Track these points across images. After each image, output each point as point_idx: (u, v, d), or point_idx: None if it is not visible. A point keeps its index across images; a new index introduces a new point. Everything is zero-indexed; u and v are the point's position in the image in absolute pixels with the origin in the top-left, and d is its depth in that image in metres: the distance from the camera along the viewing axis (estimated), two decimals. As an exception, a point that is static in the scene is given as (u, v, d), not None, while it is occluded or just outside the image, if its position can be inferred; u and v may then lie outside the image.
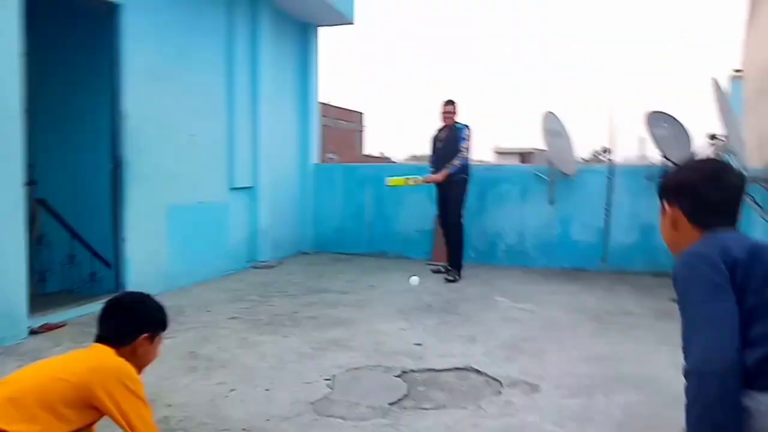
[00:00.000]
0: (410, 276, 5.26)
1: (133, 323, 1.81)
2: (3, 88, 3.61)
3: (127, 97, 4.79)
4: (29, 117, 3.88)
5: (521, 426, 2.62)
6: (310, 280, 5.90)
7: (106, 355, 1.72)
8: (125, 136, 4.80)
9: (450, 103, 6.07)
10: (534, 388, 3.05)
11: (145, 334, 1.80)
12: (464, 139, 5.84)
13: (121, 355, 1.74)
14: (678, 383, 3.07)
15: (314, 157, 7.97)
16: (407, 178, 6.10)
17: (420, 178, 6.08)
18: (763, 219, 4.37)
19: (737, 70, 5.44)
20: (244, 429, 2.56)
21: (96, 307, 4.44)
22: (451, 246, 6.09)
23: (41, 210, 4.97)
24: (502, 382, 3.12)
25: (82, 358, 1.73)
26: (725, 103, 4.87)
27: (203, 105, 5.80)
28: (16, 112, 3.70)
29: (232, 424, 2.61)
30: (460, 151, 5.80)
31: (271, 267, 6.56)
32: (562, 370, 3.32)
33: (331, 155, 24.16)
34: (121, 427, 1.63)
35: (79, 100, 5.04)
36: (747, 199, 4.49)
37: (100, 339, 1.78)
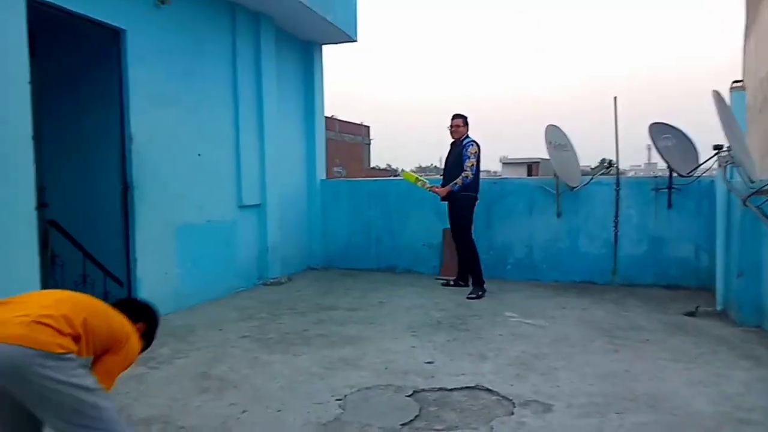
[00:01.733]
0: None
1: (142, 312, 2.31)
2: (14, 115, 3.66)
3: (134, 120, 4.85)
4: (39, 141, 3.95)
5: (534, 447, 2.60)
6: (319, 297, 5.91)
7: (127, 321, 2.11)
8: (133, 159, 4.85)
9: (457, 116, 6.10)
10: (546, 407, 3.03)
11: (143, 323, 2.26)
12: (468, 157, 5.85)
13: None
14: (695, 402, 3.05)
15: (321, 172, 8.01)
16: (419, 178, 6.40)
17: (428, 184, 6.23)
18: (774, 231, 4.34)
19: (737, 81, 5.43)
20: (256, 453, 2.57)
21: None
22: (465, 264, 6.08)
23: (53, 231, 5.02)
24: (514, 401, 3.11)
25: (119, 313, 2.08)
26: (728, 115, 4.86)
27: (209, 125, 5.85)
28: (27, 138, 3.75)
29: (245, 447, 2.62)
30: (464, 169, 5.82)
31: (281, 284, 6.58)
32: (574, 389, 3.29)
33: (338, 169, 24.26)
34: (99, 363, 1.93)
35: (87, 124, 5.12)
36: (755, 211, 4.47)
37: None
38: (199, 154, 5.65)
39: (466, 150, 5.87)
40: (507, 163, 32.50)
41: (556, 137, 6.73)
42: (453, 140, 6.13)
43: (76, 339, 1.79)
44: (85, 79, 5.12)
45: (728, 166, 5.00)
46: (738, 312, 4.79)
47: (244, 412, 3.00)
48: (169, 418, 2.93)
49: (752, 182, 4.63)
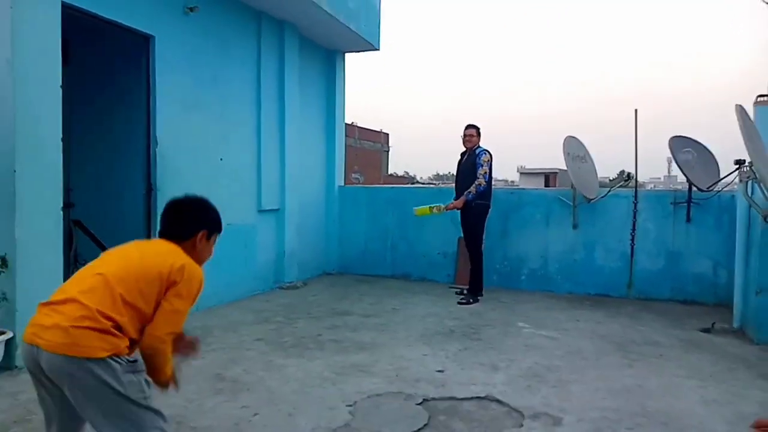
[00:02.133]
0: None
1: (194, 220, 2.05)
2: (46, 118, 3.80)
3: (160, 124, 4.98)
4: (68, 143, 4.08)
5: (543, 459, 2.61)
6: (334, 302, 5.97)
7: (176, 248, 1.97)
8: (158, 162, 4.98)
9: (470, 127, 6.16)
10: (556, 421, 3.04)
11: (204, 231, 2.04)
12: (480, 165, 5.90)
13: (182, 248, 1.99)
14: (709, 422, 3.03)
15: (340, 179, 8.09)
16: (431, 207, 6.15)
17: (442, 206, 6.14)
18: (794, 249, 4.28)
19: (762, 96, 5.36)
20: (268, 454, 2.62)
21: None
22: (472, 269, 6.14)
23: (77, 231, 5.17)
24: (524, 413, 3.12)
25: (161, 250, 1.95)
26: (751, 130, 4.81)
27: (232, 130, 5.97)
28: (57, 140, 3.88)
29: (257, 449, 2.67)
30: (477, 177, 5.87)
31: (297, 288, 6.66)
32: (585, 403, 3.29)
33: (356, 176, 24.38)
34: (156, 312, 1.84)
35: (115, 127, 5.27)
36: (777, 229, 4.42)
37: (164, 235, 2.03)
38: (221, 159, 5.77)
39: (479, 158, 5.93)
40: (525, 173, 32.33)
41: (574, 148, 6.72)
42: (465, 150, 6.18)
43: (118, 327, 1.75)
44: (115, 83, 5.28)
45: (749, 182, 4.94)
46: (756, 330, 4.73)
47: (256, 414, 3.06)
48: (184, 418, 3.00)
49: (773, 199, 4.57)
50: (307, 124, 7.38)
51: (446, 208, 6.13)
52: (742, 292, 5.08)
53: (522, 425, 2.98)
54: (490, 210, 6.12)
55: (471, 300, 5.96)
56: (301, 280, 6.93)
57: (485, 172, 5.89)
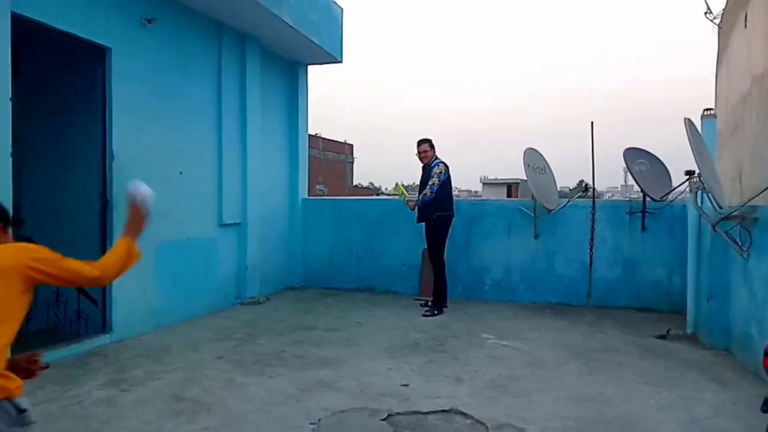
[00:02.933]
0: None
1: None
2: (-6, 132, 3.65)
3: (117, 137, 4.85)
4: (18, 158, 3.92)
5: (506, 471, 2.63)
6: (298, 317, 5.90)
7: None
8: (114, 176, 4.84)
9: (422, 142, 6.25)
10: (519, 431, 3.07)
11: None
12: (431, 176, 6.01)
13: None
14: (664, 426, 3.11)
15: (304, 191, 8.03)
16: (404, 193, 6.50)
17: (407, 199, 6.38)
18: (742, 257, 4.46)
19: (708, 110, 5.62)
20: (228, 477, 2.55)
21: (82, 347, 4.45)
22: (435, 281, 6.18)
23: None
24: (488, 425, 3.13)
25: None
26: (699, 142, 5.02)
27: (193, 143, 5.86)
28: (6, 155, 3.73)
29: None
30: (428, 186, 6.00)
31: (259, 303, 6.55)
32: (547, 412, 3.34)
33: (320, 187, 24.29)
34: (65, 279, 1.85)
35: (68, 140, 5.09)
36: (724, 237, 4.60)
37: None
38: (180, 172, 5.65)
39: (432, 171, 6.03)
40: (487, 184, 32.86)
41: (534, 160, 6.86)
42: (423, 164, 6.26)
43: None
44: (68, 95, 5.10)
45: (699, 192, 5.15)
46: (707, 335, 4.90)
47: (217, 435, 2.98)
48: (141, 441, 2.90)
49: (721, 208, 4.77)
50: (270, 136, 7.32)
51: (408, 202, 6.29)
52: (695, 298, 5.26)
53: (485, 437, 2.99)
54: (453, 220, 6.19)
55: (435, 312, 5.99)
56: (264, 295, 6.82)
57: (434, 183, 5.97)
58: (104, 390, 3.63)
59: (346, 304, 6.60)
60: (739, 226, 4.50)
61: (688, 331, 5.24)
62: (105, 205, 4.85)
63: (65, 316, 4.96)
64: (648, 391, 3.72)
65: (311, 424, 3.13)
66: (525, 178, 7.03)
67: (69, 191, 5.11)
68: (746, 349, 4.34)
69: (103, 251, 4.80)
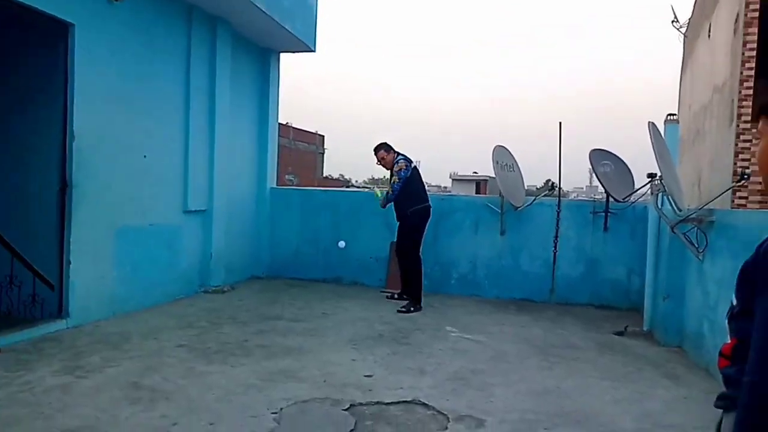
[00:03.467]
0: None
1: None
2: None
3: (78, 117, 4.68)
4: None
5: (465, 462, 2.66)
6: (263, 307, 5.84)
7: None
8: (74, 157, 4.68)
9: (377, 149, 6.19)
10: (479, 422, 3.11)
11: None
12: (395, 171, 5.98)
13: None
14: (619, 420, 3.20)
15: (272, 180, 7.93)
16: (380, 196, 6.32)
17: (380, 197, 6.27)
18: (698, 258, 4.62)
19: (671, 115, 5.78)
20: (185, 466, 2.51)
21: (36, 332, 4.31)
22: (407, 278, 6.16)
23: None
24: (449, 416, 3.17)
25: None
26: (662, 145, 5.17)
27: (158, 127, 5.72)
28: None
29: (174, 461, 2.55)
30: (390, 185, 6.03)
31: (223, 292, 6.45)
32: (507, 405, 3.39)
33: (289, 177, 24.06)
34: None
35: (26, 119, 4.89)
36: (681, 238, 4.76)
37: None
38: (145, 156, 5.50)
39: (396, 169, 6.00)
40: (457, 180, 33.14)
41: (502, 157, 6.94)
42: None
43: None
44: (29, 74, 4.89)
45: (660, 194, 5.30)
46: (662, 333, 5.07)
47: (174, 424, 2.93)
48: (96, 430, 2.82)
49: (680, 211, 4.93)
50: (239, 123, 7.20)
51: (381, 199, 6.22)
52: (652, 297, 5.43)
53: (447, 428, 3.03)
54: (430, 211, 6.16)
55: (412, 309, 5.91)
56: (229, 284, 6.73)
57: (395, 182, 5.94)
58: (58, 377, 3.53)
59: (313, 294, 6.57)
60: (696, 229, 4.66)
61: (645, 328, 5.41)
62: (64, 188, 4.68)
63: (19, 299, 4.78)
64: (605, 386, 3.82)
65: (273, 413, 3.10)
66: (494, 176, 7.11)
67: (26, 172, 4.91)
68: (698, 347, 4.50)
69: (61, 234, 4.67)
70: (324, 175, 34.05)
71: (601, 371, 4.15)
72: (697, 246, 4.63)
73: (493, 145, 6.91)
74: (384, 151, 6.15)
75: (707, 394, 3.76)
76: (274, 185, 8.04)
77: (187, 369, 3.79)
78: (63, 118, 4.66)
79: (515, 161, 7.18)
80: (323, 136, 33.15)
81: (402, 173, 5.95)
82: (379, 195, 6.32)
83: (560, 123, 6.77)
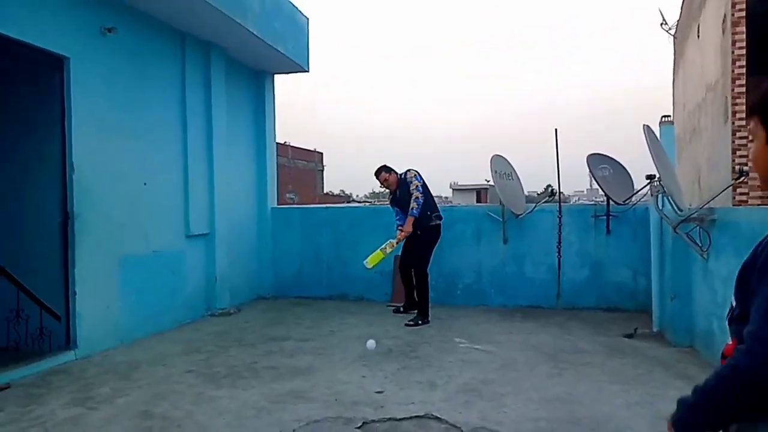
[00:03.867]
0: (367, 340, 5.03)
1: None
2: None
3: (77, 148, 4.71)
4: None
5: (481, 475, 2.64)
6: (269, 328, 5.82)
7: None
8: (75, 188, 4.70)
9: (379, 172, 6.18)
10: (493, 434, 3.09)
11: None
12: (409, 182, 5.93)
13: None
14: (633, 423, 3.17)
15: (272, 200, 7.96)
16: (383, 249, 5.97)
17: (393, 241, 6.02)
18: (702, 257, 4.61)
19: (665, 116, 5.81)
20: (200, 494, 2.49)
21: (45, 365, 4.30)
22: (417, 292, 6.12)
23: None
24: (463, 429, 3.15)
25: None
26: (658, 147, 5.18)
27: (156, 154, 5.75)
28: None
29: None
30: (412, 194, 5.87)
31: (229, 314, 6.44)
32: (520, 415, 3.37)
33: (290, 195, 24.12)
34: None
35: (26, 152, 4.93)
36: (684, 238, 4.76)
37: None
38: (145, 183, 5.53)
39: (410, 182, 5.94)
40: (457, 189, 33.18)
41: (501, 166, 6.97)
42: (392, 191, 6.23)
43: None
44: (26, 107, 4.95)
45: (659, 195, 5.31)
46: (672, 333, 5.04)
47: (188, 451, 2.91)
48: (108, 460, 2.81)
49: (681, 211, 4.93)
50: (237, 146, 7.24)
51: (398, 241, 6.01)
52: (659, 298, 5.42)
53: (460, 442, 3.01)
54: (436, 229, 6.07)
55: (420, 322, 5.86)
56: (234, 306, 6.72)
57: (417, 186, 5.88)
58: (68, 409, 3.51)
59: (318, 313, 6.55)
60: (698, 228, 4.66)
61: (654, 329, 5.38)
62: (66, 219, 4.70)
63: (26, 333, 4.77)
64: (616, 390, 3.80)
65: (285, 435, 3.09)
66: (493, 185, 7.13)
67: (27, 204, 4.95)
68: (709, 345, 4.48)
69: (65, 265, 4.68)
70: (324, 191, 34.13)
71: (611, 375, 4.12)
72: (700, 245, 4.63)
73: (492, 154, 6.95)
74: (385, 173, 6.16)
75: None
76: (275, 205, 8.07)
77: (197, 395, 3.77)
78: (62, 149, 4.69)
79: (513, 169, 7.20)
80: (322, 153, 33.32)
81: (418, 180, 5.92)
82: (384, 249, 6.00)
83: (556, 130, 6.80)
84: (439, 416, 3.34)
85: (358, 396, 3.71)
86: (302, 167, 29.37)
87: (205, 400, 3.67)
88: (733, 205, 6.49)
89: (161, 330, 5.56)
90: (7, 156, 5.01)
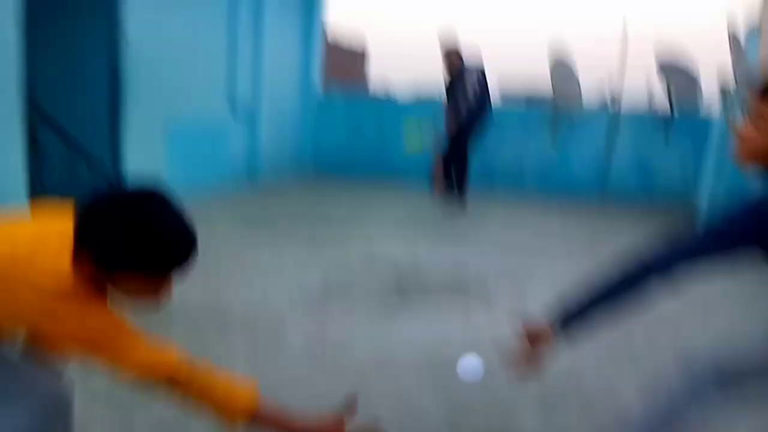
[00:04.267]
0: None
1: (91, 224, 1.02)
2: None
3: (128, 12, 4.62)
4: (30, 31, 3.76)
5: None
6: (314, 205, 5.87)
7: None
8: (124, 52, 4.67)
9: (450, 54, 5.80)
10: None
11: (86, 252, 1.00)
12: (468, 79, 5.71)
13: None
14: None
15: (317, 83, 7.79)
16: (418, 129, 5.98)
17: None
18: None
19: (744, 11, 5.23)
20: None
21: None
22: (457, 178, 6.04)
23: (40, 127, 4.88)
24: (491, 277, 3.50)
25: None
26: (738, 46, 4.72)
27: (205, 21, 5.60)
28: (12, 30, 3.56)
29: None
30: (467, 91, 5.70)
31: (271, 190, 6.58)
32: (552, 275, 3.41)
33: (335, 81, 23.57)
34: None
35: (78, 13, 4.84)
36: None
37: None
38: (194, 50, 5.45)
39: (470, 76, 5.75)
40: (506, 94, 31.83)
41: (561, 67, 6.55)
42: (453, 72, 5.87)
43: None
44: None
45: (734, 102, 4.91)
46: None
47: (236, 283, 3.06)
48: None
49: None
50: (285, 26, 6.96)
51: (436, 133, 5.90)
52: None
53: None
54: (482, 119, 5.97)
55: (458, 206, 5.92)
56: (276, 181, 6.85)
57: (474, 85, 5.74)
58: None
59: (361, 193, 6.59)
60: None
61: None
62: (116, 81, 4.71)
63: (79, 192, 4.98)
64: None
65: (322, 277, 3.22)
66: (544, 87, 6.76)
67: (79, 68, 4.95)
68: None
69: (113, 128, 4.76)
70: (369, 81, 33.21)
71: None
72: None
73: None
74: (456, 58, 5.79)
75: None
76: (320, 88, 7.89)
77: (243, 242, 4.08)
78: (112, 12, 4.60)
79: (573, 69, 6.77)
80: (366, 38, 31.91)
81: (475, 90, 5.71)
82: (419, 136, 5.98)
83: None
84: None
85: (392, 255, 3.93)
86: (347, 49, 28.34)
87: (249, 245, 3.78)
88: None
89: (204, 198, 5.72)
90: (61, 17, 4.92)
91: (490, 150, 6.90)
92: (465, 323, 2.89)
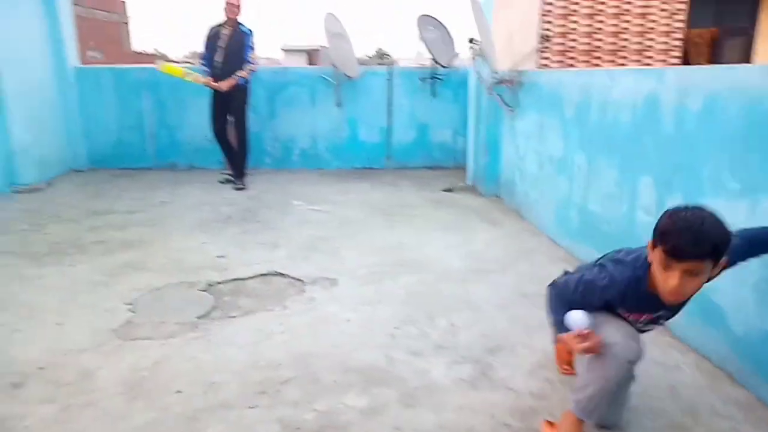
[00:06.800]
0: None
1: None
2: None
3: None
4: None
5: (324, 317, 2.94)
6: (90, 201, 5.36)
7: None
8: None
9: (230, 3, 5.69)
10: (333, 281, 3.40)
11: None
12: (251, 47, 5.71)
13: None
14: (450, 261, 3.70)
15: (73, 59, 6.85)
16: (186, 72, 5.88)
17: (201, 78, 5.79)
18: (509, 115, 5.20)
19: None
20: (41, 368, 2.42)
21: None
22: (239, 153, 6.00)
23: None
24: (304, 280, 3.41)
25: None
26: (479, 12, 5.47)
27: None
28: None
29: (25, 365, 2.44)
30: (249, 62, 5.69)
31: (39, 190, 5.75)
32: (356, 263, 3.72)
33: (93, 53, 20.87)
34: None
35: None
36: (496, 98, 5.29)
37: None
38: None
39: (248, 40, 5.68)
40: (288, 51, 31.66)
41: (334, 26, 6.79)
42: (224, 21, 5.73)
43: None
44: None
45: (478, 58, 5.71)
46: (483, 185, 5.78)
47: (15, 331, 2.75)
48: None
49: (496, 73, 5.40)
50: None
51: (206, 83, 5.74)
52: (474, 155, 6.07)
53: (304, 291, 3.27)
54: (250, 88, 5.98)
55: (244, 184, 5.91)
56: (44, 181, 5.99)
57: (255, 57, 5.72)
58: None
59: (145, 184, 6.15)
60: (508, 89, 5.18)
61: (469, 183, 6.10)
62: None
63: None
64: (438, 236, 4.35)
65: (127, 304, 3.05)
66: (325, 45, 6.96)
67: None
68: (511, 194, 5.26)
69: None
70: (134, 49, 30.01)
71: (433, 224, 4.68)
72: (510, 105, 5.19)
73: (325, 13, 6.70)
74: (239, 3, 5.68)
75: (518, 231, 4.51)
76: (78, 64, 6.98)
77: (18, 275, 3.46)
78: None
79: (345, 30, 7.07)
80: (124, 2, 28.68)
81: (254, 50, 5.71)
82: (187, 74, 5.86)
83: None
84: (282, 272, 3.54)
85: (200, 261, 3.73)
86: (103, 18, 25.21)
87: (28, 279, 3.40)
88: (539, 69, 7.26)
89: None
90: None
91: (279, 117, 6.96)
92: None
